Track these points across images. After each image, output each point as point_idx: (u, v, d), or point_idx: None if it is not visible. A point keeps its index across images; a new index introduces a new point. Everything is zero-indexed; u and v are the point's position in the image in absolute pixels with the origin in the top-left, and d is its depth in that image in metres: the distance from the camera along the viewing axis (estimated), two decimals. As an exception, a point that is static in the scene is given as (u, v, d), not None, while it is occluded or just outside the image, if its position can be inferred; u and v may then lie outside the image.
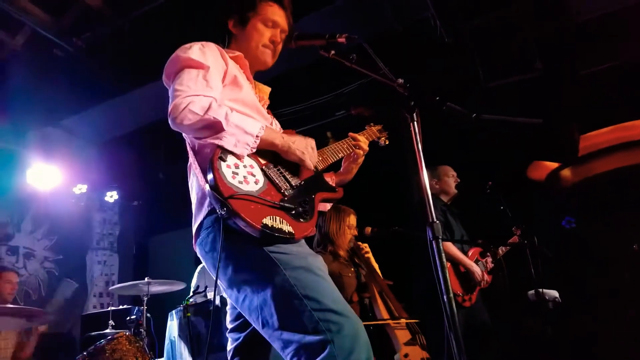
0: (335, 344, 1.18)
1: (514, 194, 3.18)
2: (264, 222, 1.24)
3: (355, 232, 3.06)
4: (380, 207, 4.29)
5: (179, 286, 3.71)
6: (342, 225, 2.98)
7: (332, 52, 1.63)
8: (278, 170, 1.42)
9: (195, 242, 1.40)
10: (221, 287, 1.39)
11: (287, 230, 1.27)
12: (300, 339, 1.19)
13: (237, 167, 1.31)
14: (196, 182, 1.40)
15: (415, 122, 1.56)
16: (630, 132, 4.51)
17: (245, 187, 1.28)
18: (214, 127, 1.29)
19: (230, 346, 1.48)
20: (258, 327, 1.28)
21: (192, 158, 1.40)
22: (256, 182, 1.32)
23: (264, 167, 1.38)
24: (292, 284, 1.22)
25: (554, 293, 3.05)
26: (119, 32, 3.65)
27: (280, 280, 1.23)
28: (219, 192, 1.22)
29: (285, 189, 1.38)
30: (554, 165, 4.73)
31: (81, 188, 5.25)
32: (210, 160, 1.27)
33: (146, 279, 3.51)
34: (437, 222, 1.48)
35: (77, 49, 3.76)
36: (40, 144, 4.72)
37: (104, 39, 3.75)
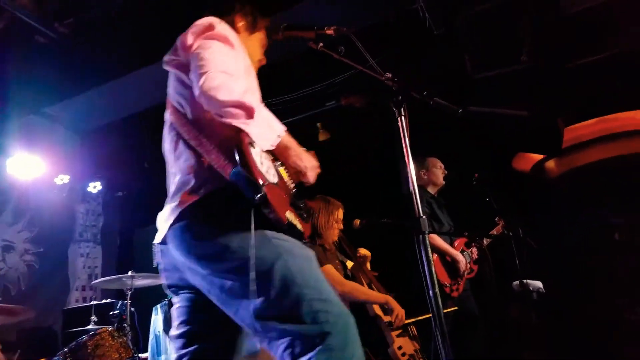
0: (333, 336, 1.14)
1: (500, 185, 3.21)
2: (287, 216, 1.24)
3: (342, 226, 3.06)
4: (372, 198, 4.30)
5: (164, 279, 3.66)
6: (331, 219, 2.96)
7: (321, 44, 1.62)
8: (285, 169, 1.41)
9: (173, 224, 1.28)
10: (188, 274, 1.31)
11: (299, 228, 1.28)
12: (296, 329, 1.15)
13: (263, 158, 1.29)
14: (192, 159, 1.32)
15: (403, 117, 1.56)
16: (612, 124, 4.58)
17: (270, 178, 1.26)
18: (247, 112, 1.24)
19: (174, 354, 1.38)
20: (240, 318, 1.23)
21: (191, 133, 1.33)
22: (274, 175, 1.30)
23: (273, 163, 1.37)
24: (294, 272, 1.19)
25: (538, 284, 3.11)
26: (105, 19, 3.55)
27: (280, 267, 1.19)
28: (254, 177, 1.18)
29: (291, 189, 1.39)
30: (538, 156, 4.79)
31: (63, 178, 5.14)
32: (240, 142, 1.22)
33: (130, 273, 3.46)
34: (424, 217, 1.49)
35: (60, 36, 3.65)
36: (21, 133, 4.59)
37: (89, 25, 3.64)
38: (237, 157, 1.21)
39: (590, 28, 2.89)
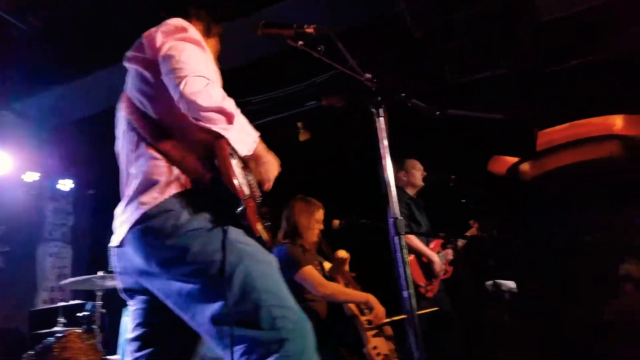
0: (291, 342, 1.15)
1: (477, 187, 3.27)
2: (258, 228, 1.27)
3: (322, 227, 3.05)
4: (352, 199, 4.29)
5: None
6: (312, 219, 2.94)
7: (300, 42, 1.60)
8: (253, 178, 1.42)
9: (133, 227, 1.24)
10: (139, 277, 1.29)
11: (265, 238, 1.31)
12: (254, 335, 1.14)
13: (238, 167, 1.29)
14: (156, 161, 1.28)
15: (381, 118, 1.56)
16: (583, 129, 4.75)
17: (245, 190, 1.27)
18: (227, 118, 1.25)
19: (129, 357, 1.36)
20: (197, 323, 1.22)
21: (156, 135, 1.30)
22: (247, 186, 1.31)
23: (244, 171, 1.37)
24: (254, 277, 1.19)
25: (511, 284, 3.17)
26: (79, 12, 3.44)
27: (241, 271, 1.18)
28: (236, 190, 1.21)
29: (258, 198, 1.40)
30: (513, 159, 4.91)
31: (32, 176, 4.97)
32: (221, 152, 1.23)
33: (99, 273, 3.36)
34: (401, 218, 1.49)
35: (32, 29, 3.52)
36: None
37: (63, 18, 3.53)
38: (219, 168, 1.21)
39: (565, 35, 2.98)
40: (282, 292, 1.23)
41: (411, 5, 2.87)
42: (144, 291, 1.34)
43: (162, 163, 1.28)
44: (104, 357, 2.90)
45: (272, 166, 1.45)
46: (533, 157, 4.67)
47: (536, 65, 3.01)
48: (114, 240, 1.35)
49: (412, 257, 3.27)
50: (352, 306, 2.95)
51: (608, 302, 3.71)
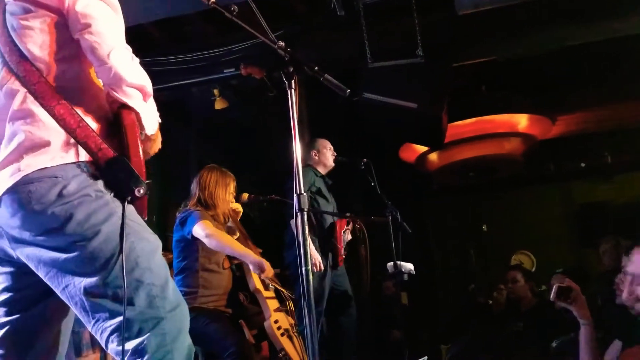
0: (168, 321, 1.16)
1: (387, 171, 3.39)
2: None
3: (233, 200, 2.98)
4: (265, 173, 4.24)
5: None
6: (228, 192, 2.86)
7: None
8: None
9: (12, 189, 1.13)
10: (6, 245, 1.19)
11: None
12: (130, 311, 1.13)
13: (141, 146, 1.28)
14: (46, 125, 1.16)
15: (293, 90, 1.52)
16: (488, 124, 5.14)
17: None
18: (144, 96, 1.26)
19: None
20: (69, 295, 1.16)
21: (54, 99, 1.16)
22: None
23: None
24: (138, 254, 1.17)
25: (410, 266, 3.33)
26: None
27: (126, 247, 1.15)
28: (142, 172, 1.22)
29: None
30: (423, 148, 5.18)
31: None
32: (132, 129, 1.22)
33: None
34: (305, 194, 1.49)
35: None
36: None
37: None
38: (127, 145, 1.21)
39: (478, 32, 3.13)
40: (164, 273, 1.22)
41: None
42: (10, 256, 1.23)
43: (52, 125, 1.16)
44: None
45: (158, 144, 1.41)
46: (441, 148, 4.96)
47: (449, 58, 3.14)
48: None
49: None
50: (256, 281, 2.94)
51: (499, 287, 4.09)
